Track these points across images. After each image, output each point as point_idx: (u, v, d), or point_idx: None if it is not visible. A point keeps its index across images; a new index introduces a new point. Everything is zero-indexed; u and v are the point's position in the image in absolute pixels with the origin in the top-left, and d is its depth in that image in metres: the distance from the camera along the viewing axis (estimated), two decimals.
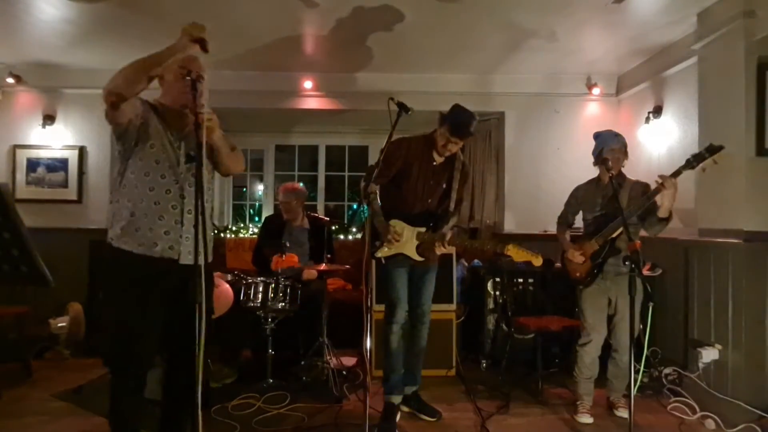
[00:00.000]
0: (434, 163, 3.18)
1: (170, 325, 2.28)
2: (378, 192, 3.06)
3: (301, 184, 4.75)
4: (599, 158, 3.27)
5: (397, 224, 3.12)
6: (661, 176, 2.97)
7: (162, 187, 2.24)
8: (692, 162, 2.94)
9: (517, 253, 2.91)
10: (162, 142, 2.27)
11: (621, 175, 3.34)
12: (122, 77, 2.17)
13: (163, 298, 2.24)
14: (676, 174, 2.95)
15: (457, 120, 3.02)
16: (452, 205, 3.20)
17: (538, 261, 2.90)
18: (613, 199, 3.08)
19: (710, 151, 2.90)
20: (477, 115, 3.07)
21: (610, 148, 3.23)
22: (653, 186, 3.27)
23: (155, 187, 2.23)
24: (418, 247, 3.12)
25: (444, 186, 3.22)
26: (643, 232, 3.35)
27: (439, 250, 3.10)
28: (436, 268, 3.33)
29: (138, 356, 2.24)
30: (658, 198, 3.00)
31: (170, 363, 2.40)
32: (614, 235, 3.18)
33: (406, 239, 3.11)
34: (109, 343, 2.26)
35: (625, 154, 3.32)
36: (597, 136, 3.38)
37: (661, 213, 3.01)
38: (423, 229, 3.13)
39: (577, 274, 3.37)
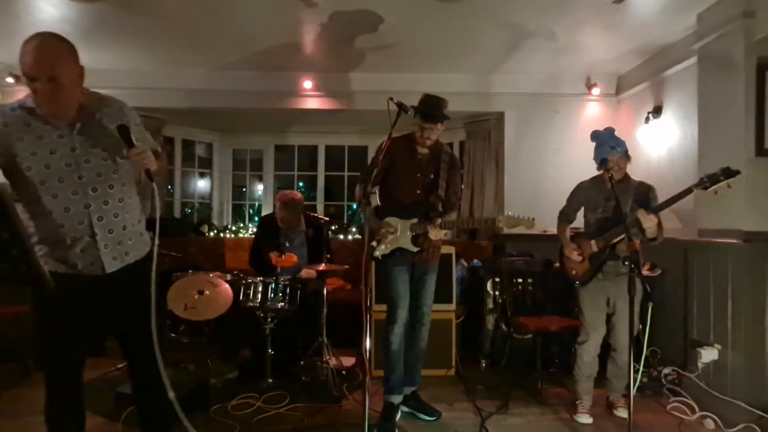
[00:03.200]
0: (419, 156, 3.25)
1: (120, 328, 2.22)
2: (377, 192, 3.08)
3: (301, 184, 4.73)
4: (602, 162, 3.21)
5: (390, 221, 3.16)
6: (643, 212, 2.99)
7: (60, 207, 2.01)
8: (705, 182, 2.84)
9: (508, 222, 2.95)
10: (43, 156, 2.00)
11: (626, 177, 3.33)
12: None
13: (93, 304, 2.13)
14: (685, 194, 2.90)
15: (427, 106, 3.12)
16: (441, 193, 3.23)
17: (531, 225, 2.94)
18: (616, 205, 3.07)
19: (726, 174, 2.79)
20: (446, 99, 3.15)
21: (611, 157, 3.19)
22: (660, 187, 3.27)
23: (53, 210, 2.01)
24: (413, 238, 3.15)
25: (432, 177, 3.26)
26: None
27: (434, 235, 3.10)
28: (437, 268, 3.34)
29: (65, 358, 2.13)
30: (644, 221, 2.99)
31: (130, 363, 2.30)
32: (615, 241, 3.17)
33: (400, 233, 3.14)
34: (39, 346, 2.14)
35: (628, 158, 3.31)
36: (595, 138, 3.31)
37: (648, 235, 3.05)
38: (416, 220, 3.16)
39: (574, 272, 3.38)
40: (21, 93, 5.19)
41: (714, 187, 2.82)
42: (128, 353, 2.27)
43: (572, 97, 5.36)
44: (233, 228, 6.13)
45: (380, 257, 3.14)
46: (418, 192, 3.23)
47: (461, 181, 3.59)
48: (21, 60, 1.94)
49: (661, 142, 4.51)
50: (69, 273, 2.05)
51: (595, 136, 3.32)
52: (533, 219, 2.95)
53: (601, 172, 3.33)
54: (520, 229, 2.99)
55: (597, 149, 3.28)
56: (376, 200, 2.72)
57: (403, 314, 3.20)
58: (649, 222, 2.98)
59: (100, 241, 2.07)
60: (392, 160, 3.16)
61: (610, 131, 3.30)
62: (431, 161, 3.27)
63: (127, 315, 2.18)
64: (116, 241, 2.12)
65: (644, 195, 3.25)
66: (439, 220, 3.08)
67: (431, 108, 3.12)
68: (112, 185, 2.11)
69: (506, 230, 3.01)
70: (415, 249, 3.16)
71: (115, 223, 2.11)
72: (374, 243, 3.10)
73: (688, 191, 2.90)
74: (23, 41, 1.96)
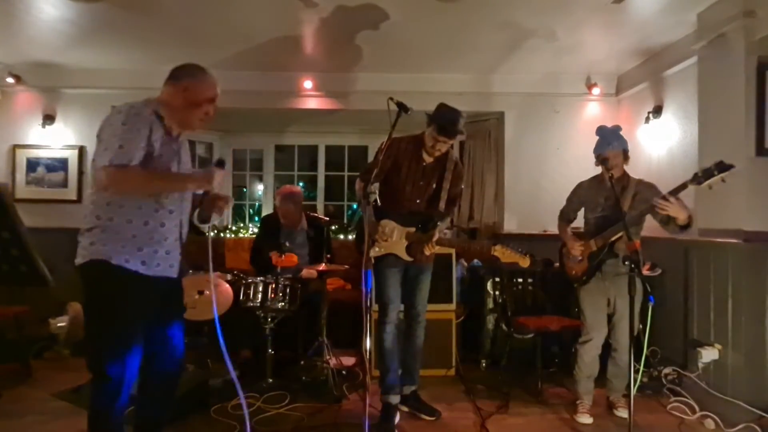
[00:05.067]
0: (424, 164, 3.20)
1: (151, 328, 2.28)
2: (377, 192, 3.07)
3: (301, 184, 4.73)
4: (599, 159, 3.25)
5: (387, 224, 3.13)
6: (660, 200, 2.90)
7: (167, 208, 2.23)
8: (700, 177, 2.83)
9: (503, 254, 2.91)
10: (166, 156, 2.22)
11: (625, 175, 3.33)
12: (131, 187, 2.14)
13: (157, 303, 2.26)
14: (680, 189, 2.88)
15: (443, 119, 3.03)
16: (442, 205, 3.20)
17: (525, 262, 2.88)
18: (615, 202, 3.07)
19: (720, 169, 2.78)
20: (463, 113, 3.07)
21: (608, 153, 3.21)
22: (659, 186, 3.25)
23: (159, 209, 2.21)
24: (407, 248, 3.13)
25: (434, 186, 3.22)
26: (643, 232, 3.35)
27: (428, 251, 3.10)
28: (431, 268, 3.33)
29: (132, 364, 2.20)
30: (671, 211, 2.91)
31: (150, 362, 2.33)
32: (614, 239, 3.17)
33: (396, 239, 3.12)
34: (101, 349, 2.16)
35: (626, 157, 3.30)
36: (599, 132, 3.32)
37: (680, 222, 2.97)
38: (413, 229, 3.13)
39: (573, 272, 3.38)
40: (21, 93, 5.23)
41: (708, 182, 2.80)
42: (155, 352, 2.32)
43: (572, 96, 5.35)
44: (233, 228, 6.12)
45: (373, 260, 3.11)
46: (419, 201, 3.20)
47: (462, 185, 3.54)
48: (207, 87, 2.28)
49: (662, 142, 4.51)
50: (147, 274, 2.18)
51: (600, 130, 3.33)
52: (529, 256, 2.88)
53: (601, 171, 3.35)
54: (511, 258, 2.91)
55: (598, 143, 3.31)
56: (376, 197, 2.70)
57: (393, 315, 3.19)
58: (667, 205, 2.88)
59: (182, 245, 2.32)
60: (396, 162, 3.13)
61: (615, 128, 3.31)
62: (435, 169, 3.22)
63: (173, 315, 2.36)
64: (183, 247, 2.35)
65: (647, 194, 3.23)
66: (437, 237, 3.04)
67: (449, 123, 3.01)
68: (188, 199, 2.37)
69: (502, 260, 2.96)
70: (408, 258, 3.14)
71: (186, 232, 2.36)
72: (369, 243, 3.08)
73: (682, 186, 2.88)
74: (202, 70, 2.30)
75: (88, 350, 2.22)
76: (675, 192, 2.89)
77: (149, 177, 2.13)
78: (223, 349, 2.26)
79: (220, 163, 2.34)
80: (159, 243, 2.21)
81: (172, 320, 2.34)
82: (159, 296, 2.24)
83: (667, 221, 3.06)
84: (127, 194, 2.14)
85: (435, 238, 3.04)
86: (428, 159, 3.19)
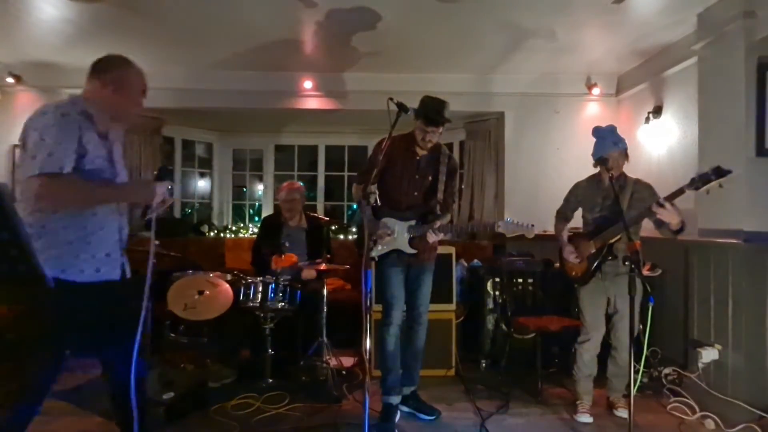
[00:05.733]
0: (417, 158, 3.24)
1: (103, 336, 2.19)
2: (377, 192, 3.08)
3: (301, 184, 4.75)
4: (600, 160, 3.25)
5: (387, 222, 3.15)
6: (655, 205, 2.89)
7: (107, 210, 2.11)
8: (697, 182, 2.81)
9: (507, 230, 2.98)
10: (99, 157, 2.08)
11: (622, 175, 3.33)
12: (66, 198, 2.00)
13: (104, 310, 2.13)
14: (677, 194, 2.86)
15: (429, 110, 3.10)
16: (440, 196, 3.23)
17: (530, 234, 2.97)
18: (614, 202, 3.07)
19: (717, 174, 2.76)
20: (447, 101, 3.13)
21: (609, 154, 3.21)
22: (659, 187, 3.24)
23: (98, 212, 2.08)
24: (410, 240, 3.15)
25: (430, 179, 3.25)
26: (643, 232, 3.35)
27: (431, 238, 3.12)
28: (433, 268, 3.34)
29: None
30: (664, 216, 2.91)
31: (109, 369, 2.28)
32: (613, 240, 3.17)
33: (397, 234, 3.14)
34: (42, 373, 2.09)
35: (626, 157, 3.31)
36: (596, 133, 3.31)
37: (672, 227, 2.97)
38: (413, 222, 3.16)
39: (573, 273, 3.38)
40: (21, 93, 5.23)
41: (705, 187, 2.79)
42: (111, 359, 2.25)
43: (572, 97, 5.35)
44: (233, 228, 6.13)
45: (376, 258, 3.13)
46: (416, 194, 3.23)
47: (460, 182, 3.57)
48: (136, 79, 2.30)
49: (662, 142, 4.51)
50: (88, 282, 2.06)
51: (597, 131, 3.33)
52: (533, 226, 2.96)
53: (598, 170, 3.35)
54: (516, 232, 3.00)
55: (597, 144, 3.29)
56: (375, 199, 2.71)
57: (398, 315, 3.20)
58: (662, 211, 2.88)
59: (122, 248, 2.19)
60: (390, 160, 3.14)
61: (611, 128, 3.31)
62: (430, 163, 3.26)
63: (125, 319, 2.21)
64: (125, 250, 2.23)
65: (644, 194, 3.23)
66: (438, 224, 3.07)
67: (434, 112, 3.09)
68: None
69: (507, 236, 3.02)
70: (411, 251, 3.16)
71: (126, 234, 2.24)
72: (371, 243, 3.09)
73: (680, 191, 2.87)
74: (127, 61, 2.35)
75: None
76: (671, 197, 2.88)
77: (86, 188, 2.01)
78: (135, 356, 2.14)
79: (161, 175, 2.22)
80: (97, 247, 2.08)
81: (123, 325, 2.19)
82: (103, 302, 2.11)
83: (660, 224, 3.06)
84: (63, 205, 2.00)
85: (436, 226, 3.07)
86: (421, 152, 3.23)
